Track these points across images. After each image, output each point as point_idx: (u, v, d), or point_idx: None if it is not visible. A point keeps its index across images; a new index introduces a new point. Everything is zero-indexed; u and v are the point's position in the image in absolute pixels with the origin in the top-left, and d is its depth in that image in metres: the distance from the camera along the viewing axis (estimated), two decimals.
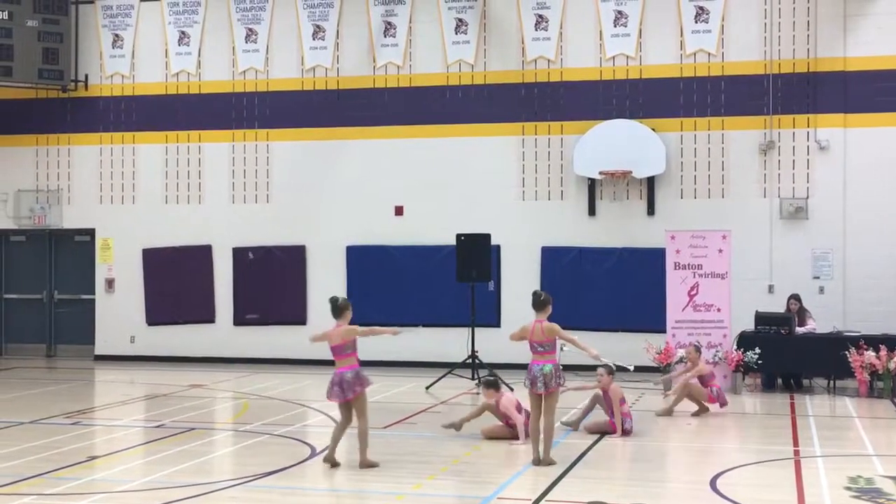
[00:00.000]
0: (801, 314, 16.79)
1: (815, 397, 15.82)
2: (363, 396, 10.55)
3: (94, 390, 17.67)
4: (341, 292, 19.75)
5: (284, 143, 20.33)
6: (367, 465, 10.47)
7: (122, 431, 12.87)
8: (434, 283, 18.97)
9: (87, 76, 21.22)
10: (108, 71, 21.23)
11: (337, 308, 10.65)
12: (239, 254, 20.42)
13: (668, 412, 13.80)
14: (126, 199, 21.09)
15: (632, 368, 13.40)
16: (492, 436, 11.99)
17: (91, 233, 21.33)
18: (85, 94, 21.23)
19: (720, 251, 16.49)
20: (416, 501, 9.29)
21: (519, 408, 11.91)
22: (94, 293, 21.25)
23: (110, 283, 21.11)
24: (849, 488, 9.54)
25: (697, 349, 14.73)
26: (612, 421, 12.35)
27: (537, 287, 17.81)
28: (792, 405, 14.93)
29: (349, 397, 10.45)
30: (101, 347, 21.12)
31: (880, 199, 17.88)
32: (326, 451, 10.63)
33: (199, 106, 20.73)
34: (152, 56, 21.01)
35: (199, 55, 20.78)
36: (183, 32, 20.86)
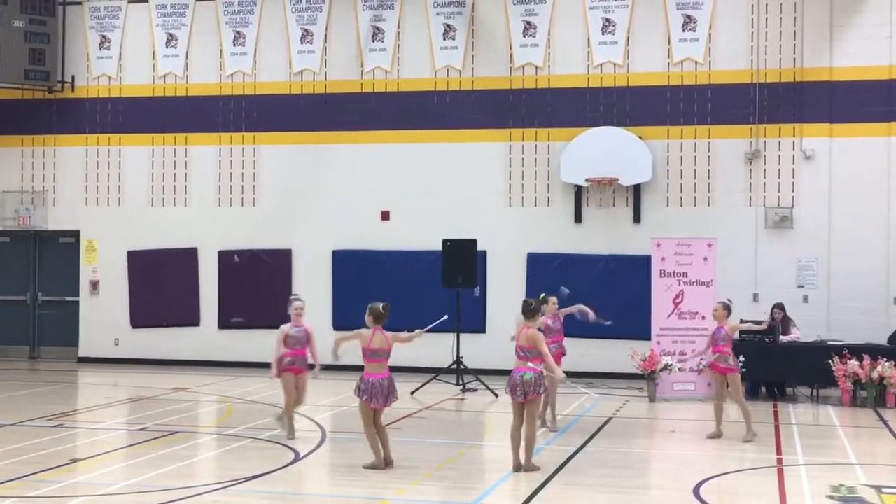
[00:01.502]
0: (786, 323, 16.86)
1: (798, 406, 15.87)
2: None
3: (78, 393, 17.60)
4: (327, 296, 19.78)
5: (271, 147, 20.30)
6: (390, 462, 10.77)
7: (104, 434, 12.82)
8: (420, 288, 18.93)
9: (73, 77, 21.15)
10: (95, 72, 21.17)
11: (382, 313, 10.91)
12: (225, 257, 20.37)
13: (718, 434, 12.90)
14: (112, 200, 21.03)
15: (596, 396, 13.41)
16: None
17: (76, 234, 21.25)
18: (71, 96, 21.17)
19: (705, 259, 16.54)
20: None
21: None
22: (78, 295, 21.17)
23: (95, 286, 21.04)
24: (831, 497, 9.57)
25: (726, 307, 13.24)
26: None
27: (523, 293, 17.85)
28: (775, 413, 14.97)
29: (390, 403, 10.80)
30: (84, 350, 21.04)
31: (865, 208, 17.95)
32: (374, 460, 10.68)
33: (186, 108, 20.69)
34: (139, 58, 20.96)
35: (187, 58, 20.75)
36: (170, 35, 20.82)
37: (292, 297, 12.91)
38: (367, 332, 10.81)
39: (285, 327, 12.46)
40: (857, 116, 18.01)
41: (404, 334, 11.05)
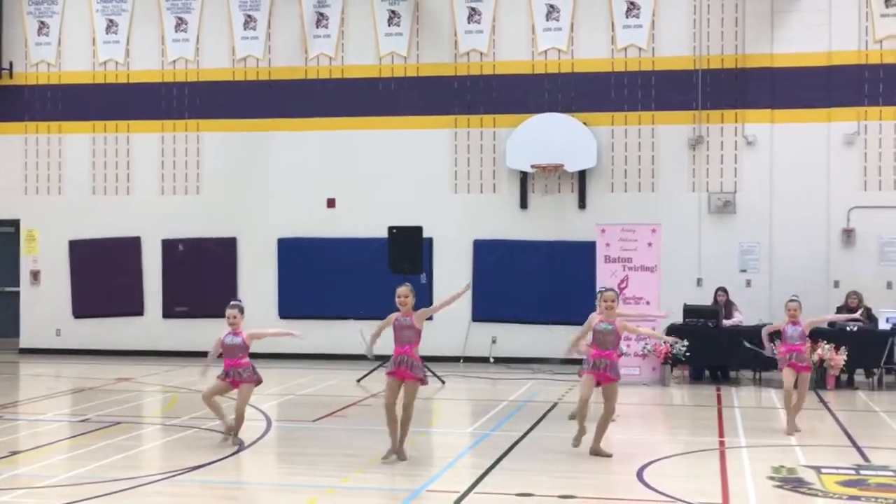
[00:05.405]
0: (728, 307, 17.04)
1: (741, 389, 16.07)
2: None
3: (18, 384, 17.34)
4: (272, 285, 19.65)
5: (215, 134, 20.11)
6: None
7: (46, 426, 12.64)
8: (366, 275, 18.88)
9: (11, 63, 20.77)
10: (34, 59, 20.82)
11: None
12: (169, 246, 20.17)
13: (793, 429, 12.21)
14: (52, 189, 20.72)
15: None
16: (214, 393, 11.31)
17: (16, 224, 20.92)
18: (9, 83, 20.79)
19: (650, 244, 16.66)
20: (345, 495, 9.25)
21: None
22: (18, 285, 20.86)
23: (35, 276, 20.73)
24: (772, 478, 9.70)
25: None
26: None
27: (469, 280, 17.90)
28: (718, 397, 15.15)
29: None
30: (26, 341, 20.74)
31: (806, 193, 18.19)
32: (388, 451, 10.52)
33: (127, 95, 20.42)
34: (79, 44, 20.65)
35: (128, 44, 20.47)
36: (111, 21, 20.52)
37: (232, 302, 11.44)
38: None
39: (220, 336, 11.29)
40: (798, 102, 18.23)
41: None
